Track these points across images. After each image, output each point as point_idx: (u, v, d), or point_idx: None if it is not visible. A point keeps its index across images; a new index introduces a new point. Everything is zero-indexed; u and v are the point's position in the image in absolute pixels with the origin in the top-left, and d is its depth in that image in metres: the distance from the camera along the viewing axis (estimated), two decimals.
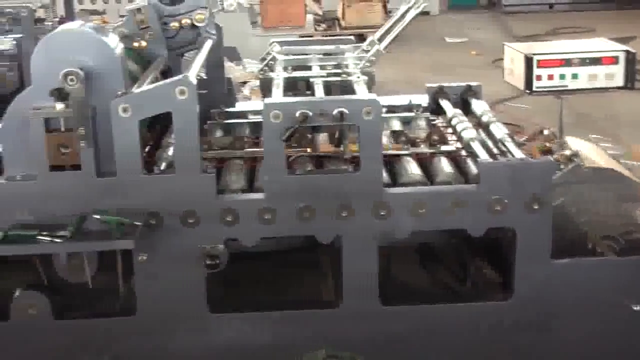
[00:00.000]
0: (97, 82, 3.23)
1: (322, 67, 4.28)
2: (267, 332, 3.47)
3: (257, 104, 4.42)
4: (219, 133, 4.13)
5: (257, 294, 3.79)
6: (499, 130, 3.80)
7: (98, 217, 3.22)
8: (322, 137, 3.67)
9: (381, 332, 3.47)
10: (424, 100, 4.37)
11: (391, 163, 3.61)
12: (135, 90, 3.28)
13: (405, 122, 4.14)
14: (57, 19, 5.71)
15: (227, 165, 3.64)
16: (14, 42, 4.16)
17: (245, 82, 9.38)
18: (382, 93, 3.67)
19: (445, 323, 3.50)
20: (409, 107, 4.29)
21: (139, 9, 4.01)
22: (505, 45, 5.65)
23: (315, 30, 12.66)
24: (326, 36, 11.62)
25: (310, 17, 12.71)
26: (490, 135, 3.82)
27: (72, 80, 3.16)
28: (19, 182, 3.32)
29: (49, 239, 3.19)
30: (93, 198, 3.27)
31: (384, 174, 3.43)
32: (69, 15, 6.55)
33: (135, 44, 4.00)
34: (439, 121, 4.14)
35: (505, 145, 3.63)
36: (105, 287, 3.45)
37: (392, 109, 4.26)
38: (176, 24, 4.09)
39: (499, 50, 6.10)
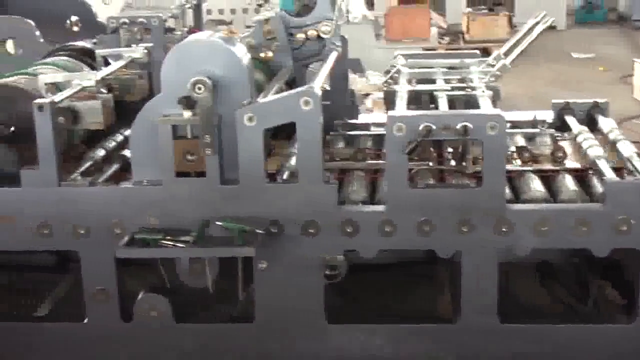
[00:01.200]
0: (224, 91, 3.29)
1: (447, 81, 4.25)
2: (384, 344, 3.47)
3: (380, 116, 4.43)
4: (341, 144, 4.15)
5: (374, 305, 3.79)
6: (627, 149, 3.71)
7: (221, 223, 3.27)
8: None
9: (499, 349, 3.42)
10: (549, 116, 4.30)
11: (514, 179, 3.56)
12: (261, 100, 3.33)
13: (530, 138, 4.09)
14: (186, 29, 5.82)
15: (349, 176, 3.65)
16: (145, 51, 4.25)
17: (368, 94, 9.40)
18: (506, 108, 3.63)
19: (565, 344, 3.43)
20: (533, 123, 4.23)
21: (266, 20, 4.08)
22: (636, 61, 5.52)
23: (439, 43, 12.60)
24: (450, 49, 11.55)
25: (434, 30, 12.66)
26: (617, 153, 3.73)
27: (200, 88, 3.23)
28: (146, 187, 3.40)
29: (172, 243, 3.26)
30: (216, 205, 3.33)
31: (507, 190, 3.39)
32: (198, 26, 6.68)
33: (262, 55, 4.06)
34: (565, 138, 4.07)
35: (633, 164, 3.54)
36: (225, 293, 3.51)
37: (516, 124, 4.21)
38: (302, 36, 4.13)
39: (628, 67, 5.95)
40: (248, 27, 4.48)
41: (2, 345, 3.63)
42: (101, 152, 3.79)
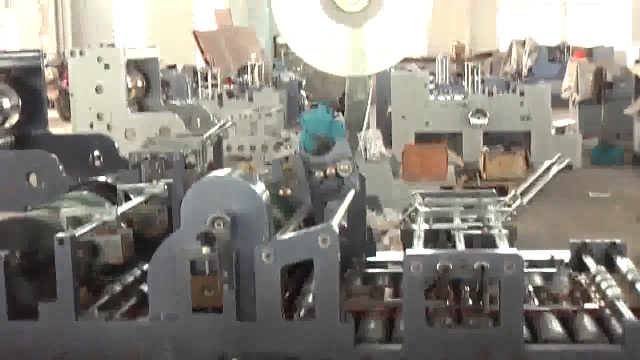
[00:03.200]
0: (243, 228, 3.33)
1: (464, 220, 4.28)
2: None
3: (397, 254, 4.44)
4: (358, 282, 4.16)
5: None
6: None
7: None
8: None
9: None
10: (566, 255, 4.30)
11: (532, 319, 3.54)
12: (279, 237, 3.35)
13: (547, 277, 4.08)
14: (207, 165, 5.91)
15: (366, 314, 3.64)
16: (165, 187, 4.32)
17: (385, 232, 9.42)
18: (523, 247, 3.64)
19: None
20: (551, 263, 4.22)
21: (285, 158, 4.15)
22: None
23: (456, 181, 12.70)
24: (467, 187, 11.63)
25: (451, 168, 12.78)
26: (636, 294, 3.71)
27: (219, 225, 3.27)
28: (163, 321, 3.40)
29: None
30: (233, 341, 3.32)
31: (525, 330, 3.37)
32: (218, 161, 6.78)
33: (281, 192, 4.11)
34: (582, 278, 4.06)
35: None
36: None
37: (534, 263, 4.20)
38: (321, 174, 4.19)
39: None
40: (268, 164, 4.55)
41: None
42: (119, 286, 3.81)
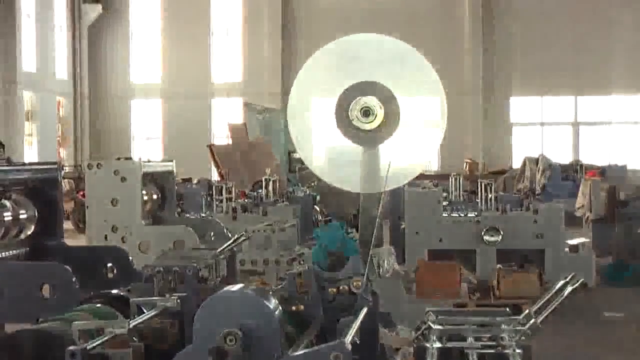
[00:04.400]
0: (255, 343, 3.31)
1: (477, 338, 4.25)
2: None
3: None
4: None
5: None
6: None
7: None
8: None
9: None
10: None
11: None
12: (291, 353, 3.34)
13: None
14: (220, 279, 5.91)
15: None
16: (178, 301, 4.32)
17: (398, 349, 9.33)
18: None
19: None
20: None
21: (299, 274, 4.15)
22: None
23: (470, 298, 12.61)
24: (480, 305, 11.54)
25: (464, 285, 12.71)
26: None
27: (231, 340, 3.26)
28: None
29: None
30: None
31: None
32: (231, 275, 6.78)
33: (294, 307, 4.10)
34: None
35: None
36: None
37: None
38: (334, 290, 4.19)
39: None
40: (281, 279, 4.56)
41: None
42: None
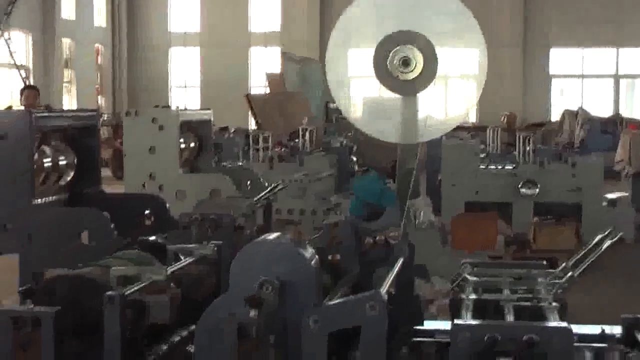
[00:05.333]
0: (291, 292, 3.32)
1: (513, 291, 4.23)
2: None
3: (444, 323, 4.39)
4: (405, 350, 4.11)
5: None
6: None
7: None
8: None
9: None
10: (617, 331, 4.22)
11: None
12: (327, 303, 3.35)
13: (597, 352, 4.00)
14: (256, 228, 5.94)
15: None
16: (215, 248, 4.34)
17: (433, 300, 9.35)
18: (574, 321, 3.58)
19: None
20: (601, 338, 4.14)
21: (335, 224, 4.15)
22: None
23: (505, 251, 12.58)
24: (516, 258, 11.51)
25: (500, 238, 12.67)
26: None
27: (267, 289, 3.27)
28: None
29: None
30: None
31: None
32: (267, 225, 6.81)
33: (329, 257, 4.11)
34: (634, 354, 3.97)
35: None
36: None
37: (583, 338, 4.13)
38: (370, 240, 4.19)
39: None
40: (316, 229, 4.56)
41: None
42: (164, 347, 3.81)
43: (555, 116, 31.24)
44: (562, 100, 32.86)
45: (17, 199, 5.63)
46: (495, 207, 12.93)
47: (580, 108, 27.45)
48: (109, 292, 3.44)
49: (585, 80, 34.21)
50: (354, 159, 15.59)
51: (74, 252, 5.43)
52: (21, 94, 12.19)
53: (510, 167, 13.54)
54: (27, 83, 25.04)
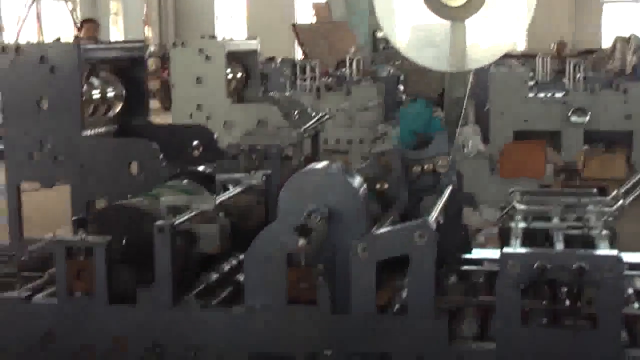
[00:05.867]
0: (340, 221, 3.33)
1: (563, 219, 4.20)
2: None
3: (493, 252, 4.38)
4: (453, 279, 4.12)
5: None
6: None
7: (328, 353, 3.26)
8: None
9: None
10: None
11: (632, 323, 3.46)
12: (375, 231, 3.35)
13: None
14: (304, 157, 5.94)
15: (460, 312, 3.61)
16: (263, 178, 4.36)
17: (481, 229, 9.32)
18: (624, 249, 3.56)
19: None
20: None
21: (383, 153, 4.13)
22: None
23: (555, 180, 12.48)
24: (566, 186, 11.42)
25: (549, 167, 12.56)
26: None
27: (316, 217, 3.28)
28: (258, 312, 3.43)
29: None
30: (326, 334, 3.33)
31: (623, 334, 3.29)
32: (315, 154, 6.81)
33: (378, 186, 4.10)
34: None
35: None
36: None
37: (634, 266, 4.11)
38: (418, 169, 4.17)
39: None
40: (364, 158, 4.55)
41: None
42: (215, 276, 3.85)
43: (606, 43, 30.66)
44: (613, 27, 32.20)
45: (67, 131, 5.67)
46: (544, 136, 12.78)
47: (633, 34, 26.89)
48: (159, 222, 3.47)
49: (638, 5, 33.45)
50: (402, 87, 15.46)
51: (124, 182, 5.49)
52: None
53: (560, 95, 13.35)
54: (75, 16, 25.09)
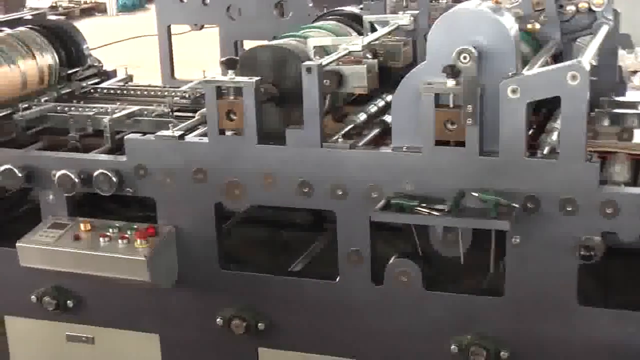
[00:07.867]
0: (489, 62, 3.26)
1: None
2: (636, 332, 3.33)
3: None
4: (606, 122, 4.01)
5: (630, 292, 3.65)
6: None
7: (477, 194, 3.25)
8: None
9: None
10: None
11: None
12: (526, 72, 3.26)
13: None
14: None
15: (612, 156, 3.52)
16: (411, 18, 4.29)
17: (635, 72, 9.01)
18: None
19: None
20: None
21: None
22: None
23: None
24: None
25: None
26: None
27: (465, 58, 3.21)
28: (405, 153, 3.43)
29: (427, 211, 3.28)
30: (474, 176, 3.31)
31: None
32: None
33: (529, 26, 3.98)
34: None
35: None
36: (474, 265, 3.49)
37: None
38: (573, 8, 4.02)
39: None
40: None
41: (258, 294, 3.80)
42: (363, 116, 3.86)
43: None
44: None
45: None
46: None
47: None
48: (307, 62, 3.47)
49: None
50: None
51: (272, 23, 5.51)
52: None
53: None
54: None
